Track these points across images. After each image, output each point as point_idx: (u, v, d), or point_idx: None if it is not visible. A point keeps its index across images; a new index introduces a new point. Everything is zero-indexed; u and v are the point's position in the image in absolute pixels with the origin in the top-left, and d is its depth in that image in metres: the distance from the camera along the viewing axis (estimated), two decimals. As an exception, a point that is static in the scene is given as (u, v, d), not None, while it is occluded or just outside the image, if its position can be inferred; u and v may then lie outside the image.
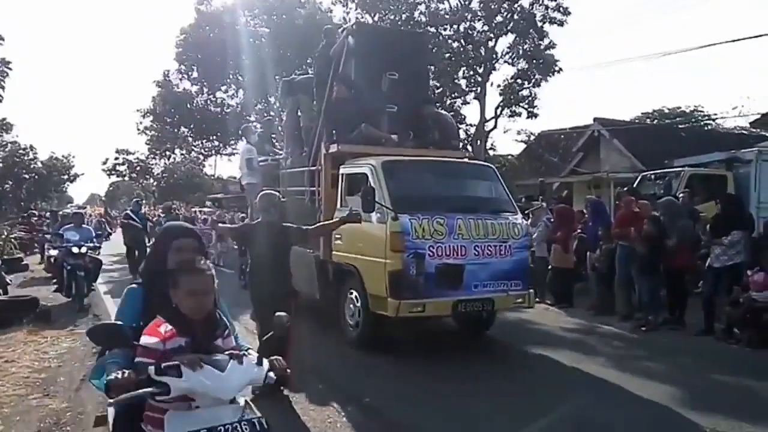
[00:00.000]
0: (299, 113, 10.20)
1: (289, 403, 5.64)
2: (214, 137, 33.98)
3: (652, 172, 14.54)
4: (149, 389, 2.39)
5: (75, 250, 10.67)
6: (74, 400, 5.59)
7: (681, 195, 10.94)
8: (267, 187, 10.42)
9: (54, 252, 12.47)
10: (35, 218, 29.82)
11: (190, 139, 34.60)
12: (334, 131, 8.43)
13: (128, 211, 16.27)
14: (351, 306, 7.92)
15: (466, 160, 8.49)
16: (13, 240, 22.38)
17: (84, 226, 12.05)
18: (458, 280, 7.30)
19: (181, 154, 38.64)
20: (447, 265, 7.24)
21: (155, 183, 47.17)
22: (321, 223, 7.31)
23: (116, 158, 44.74)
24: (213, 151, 37.00)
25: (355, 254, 7.75)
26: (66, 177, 48.94)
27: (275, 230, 6.21)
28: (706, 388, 6.35)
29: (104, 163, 45.08)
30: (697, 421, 5.32)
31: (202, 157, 38.92)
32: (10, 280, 13.20)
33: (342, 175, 8.30)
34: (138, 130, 34.24)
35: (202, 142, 35.19)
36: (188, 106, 32.28)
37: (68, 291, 10.82)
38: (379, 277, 7.27)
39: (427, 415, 5.51)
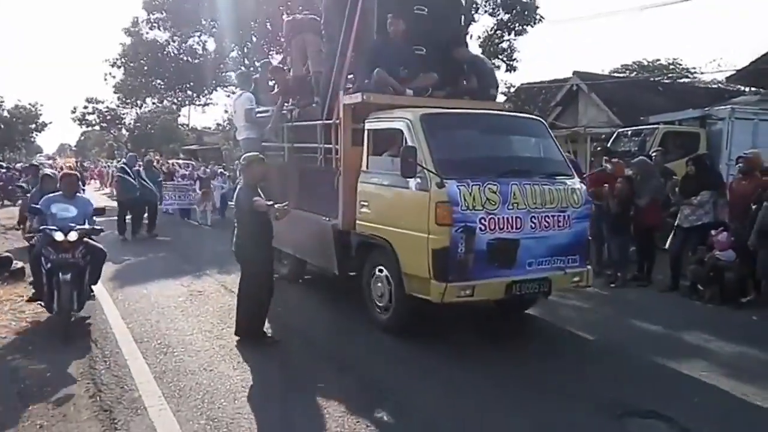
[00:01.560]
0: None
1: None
2: (188, 87, 31.48)
3: (627, 129, 13.92)
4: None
5: (59, 236, 6.08)
6: (53, 360, 5.32)
7: (654, 153, 10.46)
8: (265, 142, 8.81)
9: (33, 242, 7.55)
10: (3, 170, 27.45)
11: (162, 90, 32.02)
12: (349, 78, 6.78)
13: (123, 165, 14.18)
14: (379, 286, 6.39)
15: (512, 113, 6.85)
16: None
17: (80, 194, 7.24)
18: (512, 257, 5.83)
19: (153, 103, 35.95)
20: (500, 241, 5.75)
21: (127, 133, 44.24)
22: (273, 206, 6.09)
23: (85, 107, 41.76)
24: (186, 101, 34.56)
25: (387, 226, 6.19)
26: (33, 126, 45.56)
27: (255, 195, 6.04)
28: (671, 340, 6.49)
29: (73, 112, 42.07)
30: (662, 366, 5.59)
31: (175, 107, 36.31)
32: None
33: (368, 131, 6.64)
34: (106, 80, 31.49)
35: (175, 92, 32.58)
36: (159, 55, 29.59)
37: (49, 303, 6.29)
38: (419, 255, 5.75)
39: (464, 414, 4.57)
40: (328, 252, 7.09)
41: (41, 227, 6.36)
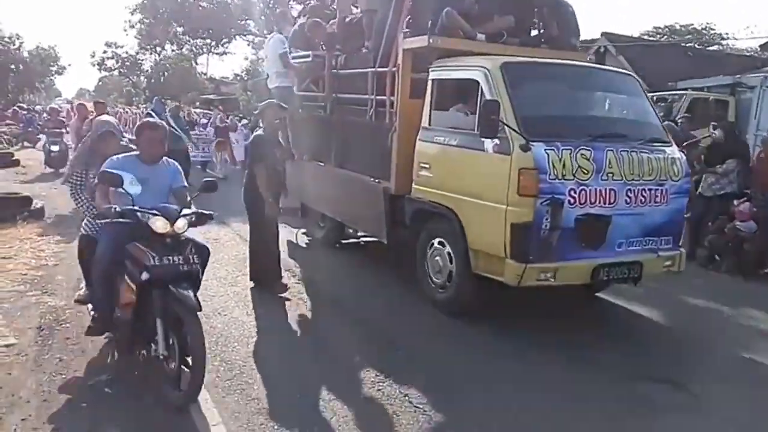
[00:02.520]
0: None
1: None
2: (207, 35, 30.07)
3: (654, 93, 12.46)
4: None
5: (162, 225, 3.58)
6: (72, 298, 4.99)
7: (681, 120, 9.71)
8: (303, 91, 7.67)
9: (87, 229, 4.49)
10: (24, 112, 26.35)
11: (181, 36, 30.58)
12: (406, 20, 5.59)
13: (151, 112, 12.85)
14: (437, 260, 5.38)
15: (603, 66, 5.64)
16: (3, 135, 19.53)
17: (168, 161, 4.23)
18: (601, 236, 4.80)
19: (172, 50, 34.46)
20: (590, 217, 4.71)
21: (145, 80, 42.67)
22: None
23: (104, 51, 40.11)
24: (204, 49, 33.17)
25: (453, 193, 5.13)
26: (53, 69, 44.05)
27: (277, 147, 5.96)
28: (684, 309, 6.14)
29: (92, 56, 40.46)
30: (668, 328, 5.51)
31: (193, 54, 34.81)
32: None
33: (432, 81, 5.51)
34: (125, 29, 30.03)
35: (193, 40, 31.14)
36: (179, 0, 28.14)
37: (132, 340, 3.83)
38: (493, 230, 4.73)
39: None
40: (377, 218, 6.06)
41: (124, 208, 3.64)
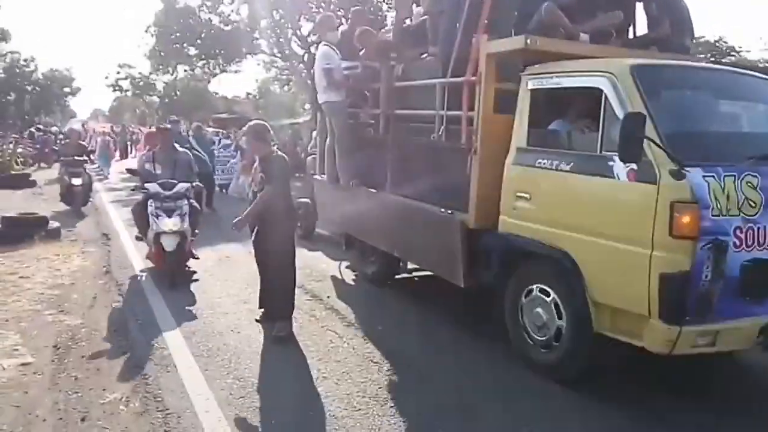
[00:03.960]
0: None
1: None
2: (219, 55, 28.76)
3: None
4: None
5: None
6: (88, 317, 5.12)
7: None
8: (352, 107, 6.35)
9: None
10: (40, 133, 25.16)
11: (193, 57, 29.32)
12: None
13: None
14: (540, 312, 4.08)
15: (747, 70, 4.39)
16: (18, 157, 18.45)
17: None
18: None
19: (184, 71, 33.24)
20: (758, 263, 3.42)
21: (158, 100, 41.45)
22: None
23: (118, 72, 38.90)
24: (218, 69, 31.82)
25: (567, 230, 3.83)
26: (68, 90, 42.83)
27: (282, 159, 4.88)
28: None
29: (106, 77, 39.25)
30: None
31: (206, 75, 33.55)
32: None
33: (530, 92, 4.23)
34: (139, 46, 28.83)
35: (207, 59, 29.82)
36: (191, 21, 26.82)
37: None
38: (631, 279, 3.45)
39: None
40: (450, 257, 4.75)
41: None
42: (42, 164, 21.31)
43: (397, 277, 6.24)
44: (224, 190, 13.65)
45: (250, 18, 26.20)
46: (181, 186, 6.38)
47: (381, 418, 3.50)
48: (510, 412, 3.67)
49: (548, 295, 4.03)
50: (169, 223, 6.09)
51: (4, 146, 17.21)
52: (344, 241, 6.65)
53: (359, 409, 3.60)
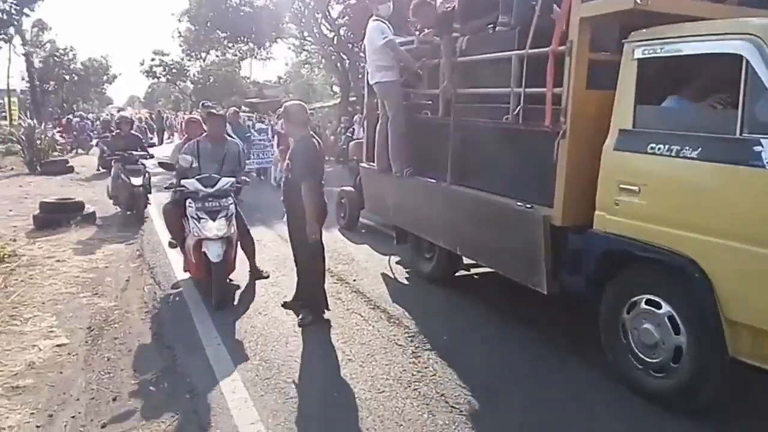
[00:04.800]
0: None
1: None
2: (249, 39, 28.05)
3: None
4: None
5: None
6: (121, 299, 5.12)
7: None
8: (408, 86, 5.50)
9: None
10: (77, 119, 24.90)
11: (225, 42, 28.68)
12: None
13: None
14: (650, 329, 3.28)
15: None
16: (57, 144, 18.26)
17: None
18: None
19: (216, 56, 32.63)
20: None
21: (191, 85, 40.96)
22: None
23: (153, 59, 38.44)
24: (248, 54, 31.13)
25: (691, 231, 3.01)
26: (105, 78, 42.59)
27: (316, 146, 4.50)
28: None
29: (141, 64, 38.86)
30: None
31: (237, 59, 32.89)
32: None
33: (637, 62, 3.37)
34: (173, 37, 28.29)
35: (237, 44, 29.15)
36: (222, 6, 26.12)
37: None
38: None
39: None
40: (530, 258, 3.96)
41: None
42: (80, 150, 21.32)
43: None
44: (261, 177, 13.00)
45: (278, 2, 25.44)
46: (225, 181, 5.01)
47: (404, 401, 3.39)
48: (534, 393, 3.52)
49: (660, 308, 3.24)
50: (214, 227, 4.82)
51: (43, 134, 16.81)
52: (395, 234, 5.90)
53: (383, 392, 3.50)
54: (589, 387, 3.58)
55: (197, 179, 4.94)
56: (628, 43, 3.42)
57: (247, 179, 5.29)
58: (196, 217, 4.85)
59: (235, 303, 5.02)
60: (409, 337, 4.28)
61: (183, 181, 5.00)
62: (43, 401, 3.37)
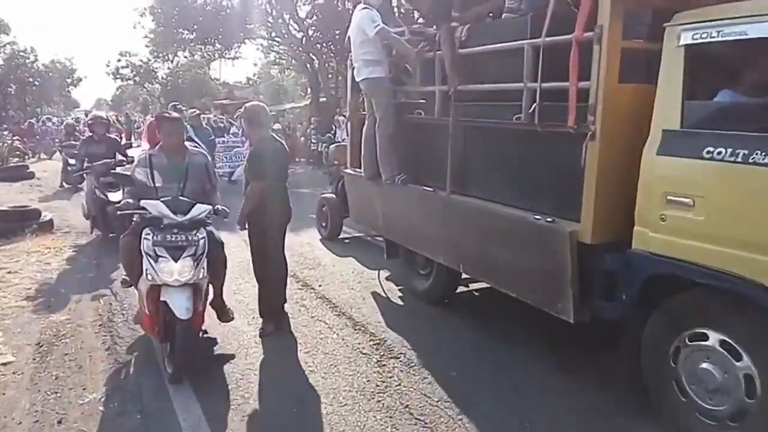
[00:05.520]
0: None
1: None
2: (216, 41, 26.93)
3: None
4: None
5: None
6: (74, 312, 4.78)
7: None
8: (399, 84, 4.82)
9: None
10: (39, 124, 23.46)
11: (191, 43, 27.51)
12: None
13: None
14: (711, 371, 2.67)
15: None
16: (16, 150, 17.19)
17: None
18: None
19: (185, 57, 31.34)
20: None
21: (160, 87, 39.38)
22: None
23: (119, 60, 36.81)
24: (216, 55, 29.97)
25: (764, 254, 2.40)
26: (69, 81, 40.63)
27: (278, 147, 4.28)
28: None
29: (107, 65, 37.29)
30: None
31: (205, 60, 31.65)
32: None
33: (683, 49, 2.73)
34: (135, 28, 27.02)
35: (204, 45, 27.98)
36: (185, 4, 24.99)
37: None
38: None
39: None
40: (553, 281, 3.31)
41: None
42: (42, 155, 20.07)
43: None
44: (229, 180, 12.13)
45: (244, 2, 24.46)
46: (201, 209, 3.67)
47: (367, 414, 3.20)
48: (505, 404, 3.29)
49: (725, 345, 2.63)
50: (176, 270, 3.50)
51: (1, 139, 15.71)
52: (385, 247, 5.20)
53: (345, 405, 3.30)
54: (570, 406, 3.26)
55: (164, 202, 3.61)
56: (671, 27, 2.80)
57: (227, 210, 3.85)
58: (152, 254, 3.51)
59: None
60: (374, 345, 4.04)
61: (144, 202, 3.63)
62: (-15, 427, 3.08)
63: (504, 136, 3.74)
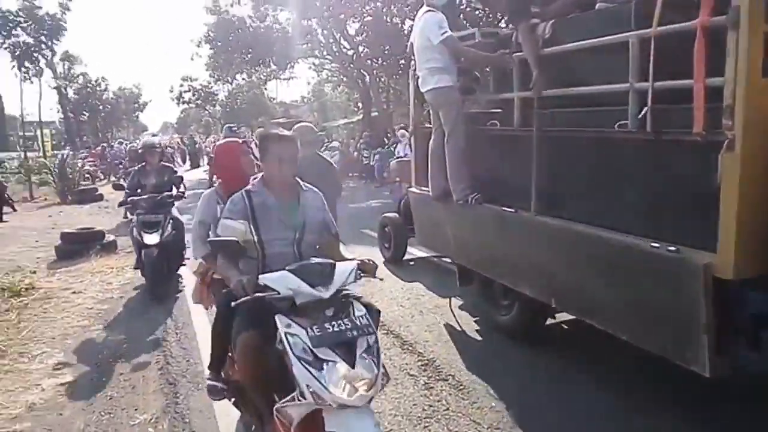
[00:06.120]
0: None
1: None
2: (270, 61, 27.25)
3: None
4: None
5: None
6: (130, 331, 4.84)
7: None
8: (467, 93, 4.22)
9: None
10: (110, 149, 24.28)
11: (247, 65, 27.99)
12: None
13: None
14: None
15: None
16: (86, 173, 17.87)
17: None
18: None
19: (243, 79, 31.95)
20: None
21: (220, 109, 40.38)
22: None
23: (181, 85, 38.00)
24: (271, 76, 30.39)
25: None
26: (136, 105, 42.31)
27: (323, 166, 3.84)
28: None
29: (171, 90, 38.54)
30: None
31: (261, 81, 32.14)
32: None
33: None
34: (192, 59, 27.77)
35: (259, 67, 28.38)
36: (239, 31, 25.41)
37: None
38: None
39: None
40: (682, 324, 2.62)
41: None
42: (112, 177, 20.68)
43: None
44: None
45: (295, 24, 24.64)
46: (343, 271, 2.35)
47: None
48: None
49: None
50: (356, 377, 2.04)
51: (73, 164, 16.32)
52: (458, 273, 4.59)
53: (390, 430, 3.07)
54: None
55: (292, 271, 2.24)
56: None
57: (374, 263, 2.60)
58: (311, 358, 2.06)
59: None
60: (422, 366, 3.81)
61: (265, 277, 2.23)
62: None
63: (603, 147, 3.09)
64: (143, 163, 6.26)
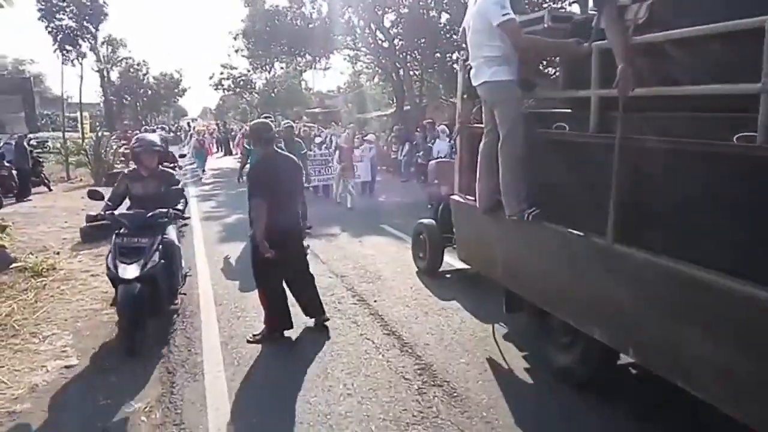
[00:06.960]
0: None
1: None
2: (306, 52, 26.76)
3: None
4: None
5: None
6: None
7: None
8: (526, 89, 3.52)
9: None
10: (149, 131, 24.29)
11: (282, 56, 27.67)
12: None
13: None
14: None
15: None
16: (121, 156, 17.68)
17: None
18: None
19: (281, 68, 31.60)
20: None
21: (258, 97, 40.12)
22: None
23: (221, 73, 37.85)
24: (307, 67, 29.93)
25: None
26: (176, 91, 42.40)
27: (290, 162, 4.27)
28: None
29: (210, 77, 38.40)
30: None
31: (298, 71, 31.70)
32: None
33: None
34: (229, 56, 27.68)
35: (295, 57, 27.92)
36: (276, 22, 24.97)
37: None
38: None
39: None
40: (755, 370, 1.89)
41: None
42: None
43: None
44: (323, 194, 11.55)
45: (330, 16, 24.09)
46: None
47: None
48: None
49: None
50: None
51: (108, 147, 16.18)
52: (505, 298, 3.88)
53: None
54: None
55: None
56: None
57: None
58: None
59: (249, 325, 4.51)
60: (418, 370, 3.69)
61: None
62: (32, 428, 3.15)
63: (715, 164, 2.34)
64: (135, 167, 4.64)
